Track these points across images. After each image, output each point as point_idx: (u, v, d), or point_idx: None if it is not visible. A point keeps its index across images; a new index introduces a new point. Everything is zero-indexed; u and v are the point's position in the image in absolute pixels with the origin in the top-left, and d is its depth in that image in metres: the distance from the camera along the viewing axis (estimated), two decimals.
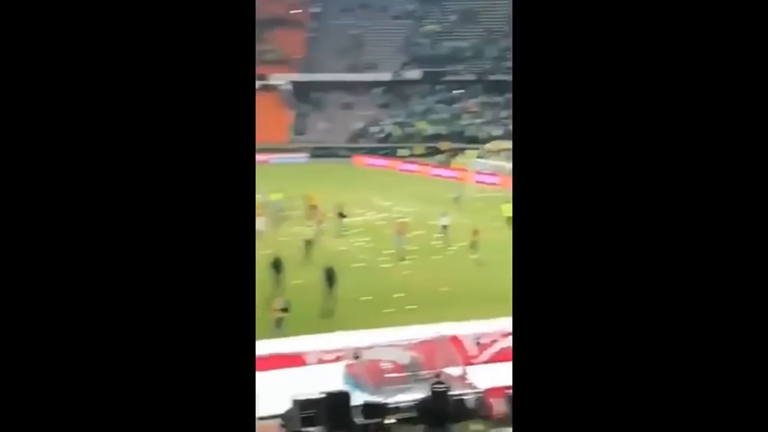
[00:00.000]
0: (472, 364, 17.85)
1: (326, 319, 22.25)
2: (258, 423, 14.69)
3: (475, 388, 16.23)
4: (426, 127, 70.23)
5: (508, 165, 47.11)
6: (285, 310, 20.67)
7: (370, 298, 24.71)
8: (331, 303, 23.29)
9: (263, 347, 18.43)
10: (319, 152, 66.81)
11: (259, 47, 76.06)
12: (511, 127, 56.17)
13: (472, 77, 74.69)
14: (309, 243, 29.64)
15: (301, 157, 66.61)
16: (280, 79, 75.91)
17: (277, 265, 24.77)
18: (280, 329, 20.32)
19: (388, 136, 70.21)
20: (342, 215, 34.90)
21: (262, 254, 22.85)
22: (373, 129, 70.95)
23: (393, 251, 30.68)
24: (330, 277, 23.36)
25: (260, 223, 30.95)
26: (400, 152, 66.59)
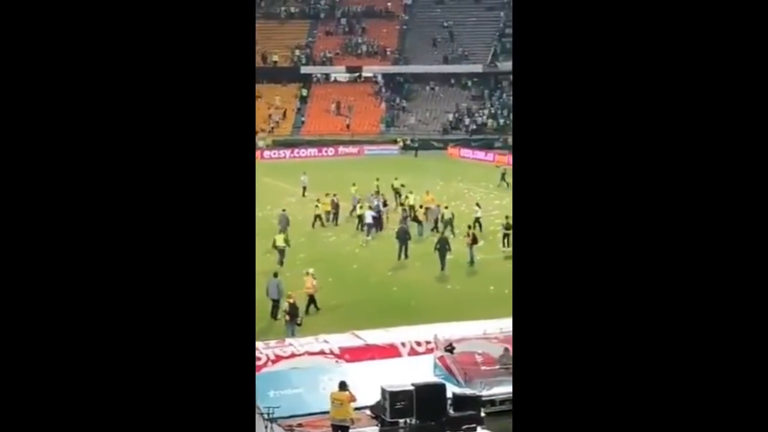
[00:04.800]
0: None
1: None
2: (355, 413, 14.82)
3: None
4: None
5: None
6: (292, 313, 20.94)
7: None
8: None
9: (348, 339, 18.54)
10: (413, 144, 66.63)
11: (352, 39, 76.49)
12: None
13: None
14: None
15: (394, 149, 66.65)
16: (373, 71, 76.11)
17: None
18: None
19: (483, 126, 69.60)
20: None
21: None
22: (467, 120, 70.40)
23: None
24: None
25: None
26: (496, 143, 65.57)
